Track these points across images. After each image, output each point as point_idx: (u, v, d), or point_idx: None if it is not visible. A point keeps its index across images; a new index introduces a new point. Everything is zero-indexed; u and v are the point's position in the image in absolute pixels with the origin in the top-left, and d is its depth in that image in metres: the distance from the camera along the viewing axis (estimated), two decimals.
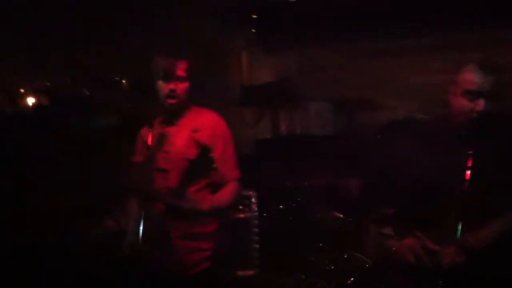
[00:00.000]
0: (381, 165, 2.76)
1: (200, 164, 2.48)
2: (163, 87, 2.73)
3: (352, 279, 3.37)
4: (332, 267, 3.55)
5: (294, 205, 3.86)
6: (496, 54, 2.90)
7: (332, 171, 3.87)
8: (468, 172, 2.14)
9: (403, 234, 2.42)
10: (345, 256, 3.59)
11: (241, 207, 3.80)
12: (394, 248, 2.55)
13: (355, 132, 4.44)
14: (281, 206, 3.90)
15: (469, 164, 2.15)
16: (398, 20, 4.25)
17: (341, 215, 3.67)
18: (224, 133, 2.80)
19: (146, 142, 2.79)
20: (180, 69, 2.73)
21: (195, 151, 2.65)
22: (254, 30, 4.66)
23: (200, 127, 2.75)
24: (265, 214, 3.85)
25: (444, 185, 2.25)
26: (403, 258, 2.37)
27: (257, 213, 3.83)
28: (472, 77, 2.20)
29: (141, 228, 2.56)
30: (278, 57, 4.89)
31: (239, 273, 3.64)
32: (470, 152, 2.16)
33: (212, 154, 2.47)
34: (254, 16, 4.70)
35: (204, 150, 2.47)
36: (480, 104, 2.17)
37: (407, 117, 3.92)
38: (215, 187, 2.76)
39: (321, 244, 3.69)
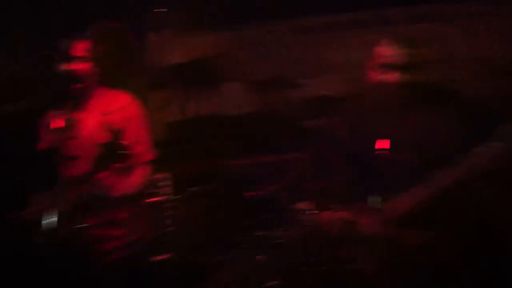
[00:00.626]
0: (299, 142, 2.81)
1: (111, 150, 2.38)
2: (65, 68, 2.61)
3: (269, 255, 3.41)
4: (250, 246, 3.56)
5: (209, 185, 3.83)
6: (412, 29, 3.06)
7: (248, 151, 3.88)
8: (387, 141, 2.21)
9: (323, 207, 2.47)
10: (262, 234, 3.61)
11: (154, 190, 3.71)
12: (313, 223, 2.60)
13: (271, 111, 4.49)
14: (195, 188, 3.85)
15: (388, 133, 2.22)
16: None
17: (257, 193, 3.68)
18: (137, 114, 2.73)
19: (53, 128, 2.65)
20: (81, 49, 2.61)
21: (107, 135, 2.54)
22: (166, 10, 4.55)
23: (112, 110, 2.66)
24: (179, 197, 3.78)
25: (364, 156, 2.31)
26: (323, 231, 2.42)
27: (171, 196, 3.76)
28: (388, 51, 2.27)
29: (51, 218, 2.43)
30: (190, 37, 4.80)
31: (156, 257, 3.58)
32: (388, 122, 2.23)
33: (123, 140, 2.39)
34: None
35: (115, 135, 2.38)
36: (396, 76, 2.24)
37: (326, 94, 4.01)
38: (129, 169, 2.68)
39: (237, 223, 3.69)
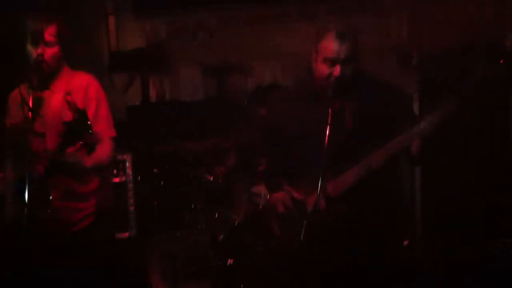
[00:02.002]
0: (251, 127, 3.00)
1: (77, 128, 2.52)
2: (31, 51, 2.72)
3: (222, 236, 3.57)
4: (204, 226, 3.74)
5: (167, 168, 3.98)
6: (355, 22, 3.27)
7: (204, 135, 4.04)
8: (328, 128, 2.42)
9: (274, 189, 2.69)
10: (216, 215, 3.77)
11: (115, 171, 3.86)
12: (263, 205, 2.79)
13: (225, 97, 4.66)
14: (155, 170, 4.00)
15: (329, 121, 2.42)
16: None
17: (212, 177, 3.84)
18: (97, 93, 2.86)
19: (20, 105, 2.77)
20: (48, 34, 2.72)
21: (70, 114, 2.65)
22: None
23: (74, 90, 2.76)
24: (139, 178, 3.93)
25: (309, 141, 2.52)
26: (274, 210, 2.62)
27: (131, 177, 3.91)
28: (330, 45, 2.45)
29: (22, 191, 2.55)
30: (147, 22, 4.88)
31: (116, 235, 3.71)
32: (329, 110, 2.44)
33: (89, 119, 2.52)
34: None
35: (80, 115, 2.51)
36: (337, 70, 2.44)
37: (273, 83, 4.21)
38: (91, 147, 2.80)
39: (193, 205, 3.85)
